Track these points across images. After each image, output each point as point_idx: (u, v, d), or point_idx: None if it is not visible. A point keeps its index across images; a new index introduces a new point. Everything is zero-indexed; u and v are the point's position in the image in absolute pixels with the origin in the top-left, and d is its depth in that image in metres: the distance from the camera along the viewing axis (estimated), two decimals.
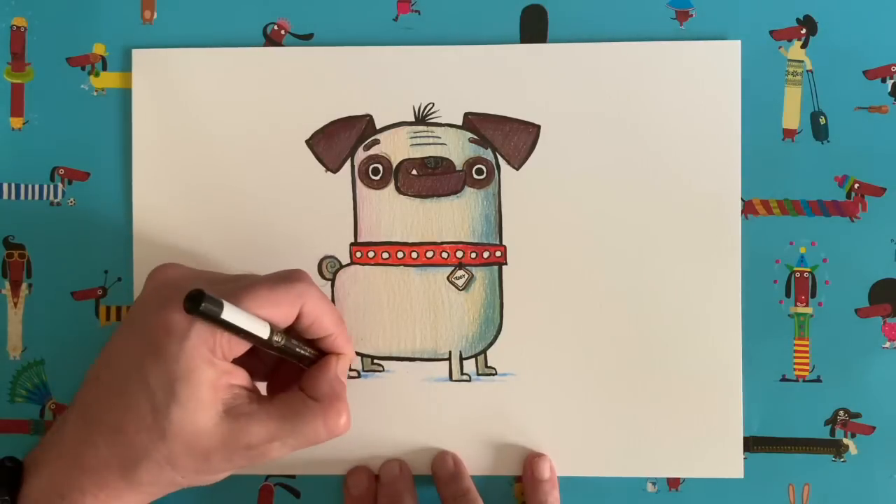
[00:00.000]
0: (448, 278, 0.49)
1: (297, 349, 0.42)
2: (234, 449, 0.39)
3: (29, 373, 0.49)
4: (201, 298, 0.36)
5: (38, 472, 0.40)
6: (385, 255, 0.48)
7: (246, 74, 0.49)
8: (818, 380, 0.48)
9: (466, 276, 0.48)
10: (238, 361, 0.40)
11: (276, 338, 0.40)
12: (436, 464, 0.48)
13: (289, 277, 0.41)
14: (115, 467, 0.39)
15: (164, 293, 0.40)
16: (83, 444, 0.39)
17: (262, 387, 0.45)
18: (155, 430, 0.38)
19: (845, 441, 0.48)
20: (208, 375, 0.39)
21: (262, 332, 0.39)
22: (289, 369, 0.44)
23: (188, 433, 0.38)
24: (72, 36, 0.49)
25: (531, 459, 0.47)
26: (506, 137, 0.48)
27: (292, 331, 0.42)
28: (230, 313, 0.37)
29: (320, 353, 0.44)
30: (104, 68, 0.49)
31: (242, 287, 0.40)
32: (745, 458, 0.48)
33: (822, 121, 0.48)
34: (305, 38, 0.49)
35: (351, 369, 0.48)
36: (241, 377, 0.40)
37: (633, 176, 0.48)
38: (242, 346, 0.40)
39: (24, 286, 0.49)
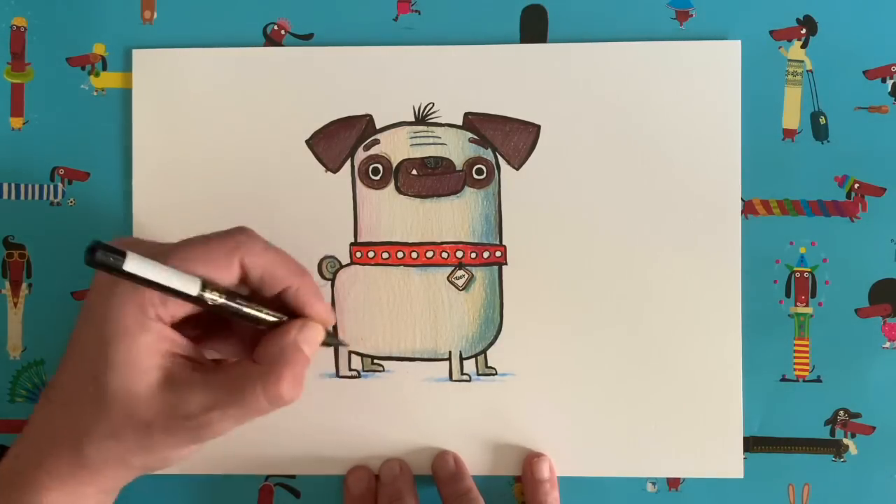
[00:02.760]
0: (448, 278, 0.49)
1: (247, 309, 0.39)
2: (173, 419, 0.37)
3: (29, 373, 0.49)
4: (96, 248, 0.34)
5: (7, 454, 0.40)
6: (385, 255, 0.48)
7: (246, 74, 0.49)
8: (818, 380, 0.48)
9: (466, 276, 0.48)
10: (215, 334, 0.39)
11: (208, 295, 0.38)
12: (436, 463, 0.48)
13: (227, 231, 0.39)
14: (66, 445, 0.38)
15: None
16: (42, 422, 0.39)
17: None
18: (96, 401, 0.37)
19: (845, 441, 0.48)
20: (142, 339, 0.37)
21: (190, 287, 0.37)
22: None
23: (125, 401, 0.37)
24: (72, 36, 0.49)
25: (530, 459, 0.47)
26: (506, 137, 0.48)
27: (255, 293, 0.40)
28: (139, 266, 0.35)
29: (292, 316, 0.41)
30: (104, 68, 0.49)
31: (176, 245, 0.38)
32: (745, 458, 0.48)
33: (822, 121, 0.48)
34: (305, 38, 0.49)
35: (350, 369, 0.48)
36: (179, 343, 0.38)
37: (632, 176, 0.48)
38: (181, 308, 0.38)
39: (24, 286, 0.49)
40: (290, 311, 0.41)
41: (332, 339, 0.44)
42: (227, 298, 0.38)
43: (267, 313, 0.40)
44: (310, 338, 0.40)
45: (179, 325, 0.39)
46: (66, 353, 0.41)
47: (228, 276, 0.39)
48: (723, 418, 0.48)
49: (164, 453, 0.39)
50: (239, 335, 0.42)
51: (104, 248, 0.35)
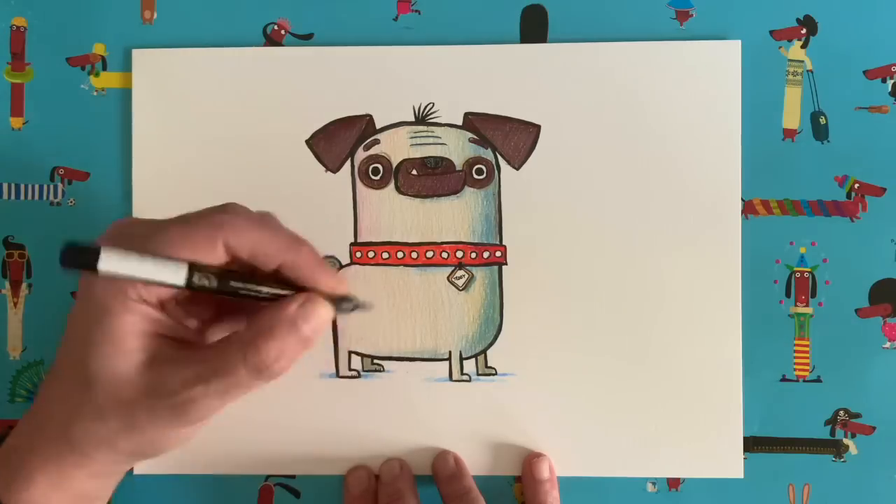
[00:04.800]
0: (448, 278, 0.48)
1: (244, 290, 0.37)
2: (155, 397, 0.36)
3: (29, 373, 0.49)
4: (67, 250, 0.34)
5: (10, 434, 0.40)
6: (385, 255, 0.48)
7: (246, 74, 0.49)
8: (818, 380, 0.48)
9: (466, 276, 0.48)
10: (228, 314, 0.39)
11: (197, 280, 0.36)
12: (437, 463, 0.48)
13: (208, 211, 0.37)
14: (54, 426, 0.38)
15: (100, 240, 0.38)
16: (37, 406, 0.39)
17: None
18: (82, 381, 0.37)
19: (845, 441, 0.48)
20: (125, 319, 0.36)
21: (176, 276, 0.36)
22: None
23: (109, 381, 0.36)
24: (72, 36, 0.49)
25: (530, 459, 0.47)
26: (506, 137, 0.48)
27: (255, 271, 0.37)
28: (116, 264, 0.34)
29: (298, 290, 0.38)
30: (104, 68, 0.49)
31: (155, 229, 0.37)
32: (745, 458, 0.48)
33: (823, 121, 0.48)
34: (305, 38, 0.49)
35: (350, 369, 0.48)
36: (169, 325, 0.38)
37: (632, 176, 0.48)
38: (168, 290, 0.37)
39: (24, 286, 0.49)
40: (294, 283, 0.38)
41: (347, 304, 0.39)
42: (218, 281, 0.36)
43: (269, 291, 0.37)
44: (311, 314, 0.37)
45: (189, 308, 0.39)
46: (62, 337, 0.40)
47: (214, 259, 0.37)
48: (723, 418, 0.48)
49: (150, 435, 0.37)
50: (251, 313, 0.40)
51: (76, 250, 0.34)
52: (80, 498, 0.39)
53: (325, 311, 0.37)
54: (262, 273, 0.38)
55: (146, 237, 0.36)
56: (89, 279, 0.37)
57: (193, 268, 0.36)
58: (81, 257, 0.34)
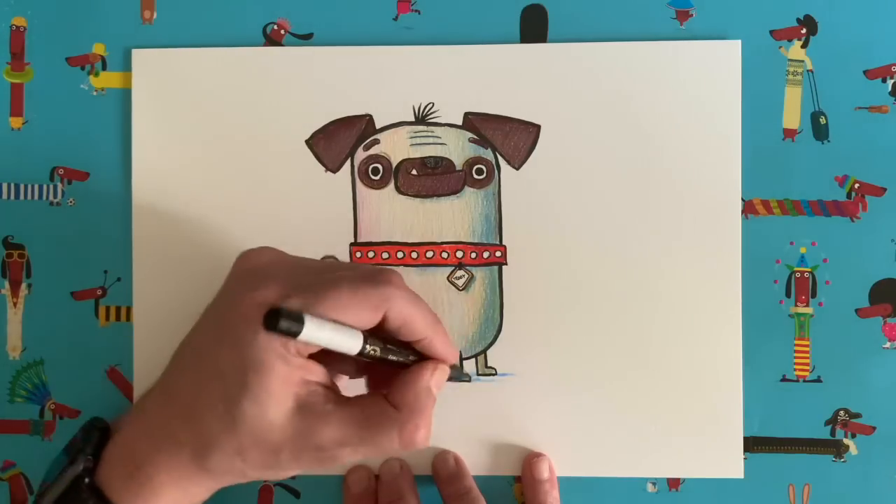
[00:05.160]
0: (448, 278, 0.48)
1: (391, 356, 0.40)
2: (303, 448, 0.38)
3: (28, 373, 0.49)
4: (279, 316, 0.34)
5: (120, 440, 0.41)
6: (385, 256, 0.48)
7: (246, 74, 0.49)
8: (818, 380, 0.48)
9: (466, 276, 0.48)
10: (328, 357, 0.40)
11: (369, 348, 0.38)
12: (437, 463, 0.48)
13: (374, 278, 0.39)
14: (188, 451, 0.39)
15: (246, 280, 0.40)
16: (161, 421, 0.40)
17: (360, 383, 0.44)
18: (226, 420, 0.38)
19: (845, 441, 0.48)
20: (281, 370, 0.37)
21: (352, 345, 0.38)
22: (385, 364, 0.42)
23: (258, 426, 0.38)
24: (72, 36, 0.49)
25: (530, 459, 0.47)
26: (506, 137, 0.48)
27: (382, 331, 0.40)
28: (312, 330, 0.36)
29: (419, 357, 0.41)
30: (104, 68, 0.49)
31: (324, 285, 0.38)
32: (745, 458, 0.48)
33: (823, 121, 0.48)
34: (305, 38, 0.49)
35: None
36: (317, 373, 0.39)
37: (633, 176, 0.48)
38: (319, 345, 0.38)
39: (23, 286, 0.49)
40: (412, 349, 0.41)
41: (457, 373, 0.44)
42: (381, 350, 0.39)
43: (405, 357, 0.41)
44: (439, 381, 0.41)
45: (322, 356, 0.40)
46: (184, 353, 0.41)
47: (370, 324, 0.39)
48: (723, 418, 0.48)
49: (286, 473, 0.40)
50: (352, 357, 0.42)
51: (287, 317, 0.35)
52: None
53: (446, 376, 0.42)
54: (389, 337, 0.40)
55: (317, 294, 0.37)
56: (250, 326, 0.37)
57: (366, 338, 0.38)
58: (286, 325, 0.35)
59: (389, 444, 0.39)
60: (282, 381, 0.37)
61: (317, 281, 0.38)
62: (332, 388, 0.40)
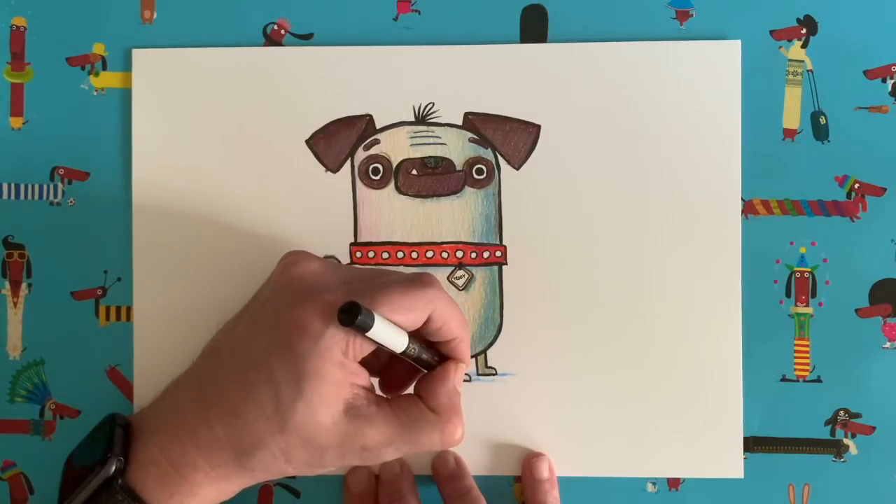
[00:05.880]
0: (448, 278, 0.48)
1: (424, 355, 0.42)
2: (349, 448, 0.40)
3: (29, 373, 0.49)
4: (357, 312, 0.37)
5: (151, 439, 0.41)
6: (385, 256, 0.48)
7: (246, 74, 0.49)
8: (818, 380, 0.48)
9: (466, 276, 0.48)
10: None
11: (411, 347, 0.41)
12: (437, 462, 0.48)
13: (420, 281, 0.41)
14: (229, 451, 0.40)
15: (300, 289, 0.41)
16: (199, 421, 0.40)
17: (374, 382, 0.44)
18: (274, 422, 0.39)
19: (845, 441, 0.48)
20: (336, 375, 0.39)
21: (400, 343, 0.40)
22: (400, 366, 0.44)
23: (308, 429, 0.39)
24: (72, 36, 0.49)
25: (530, 459, 0.47)
26: (506, 137, 0.48)
27: (418, 333, 0.42)
28: (378, 327, 0.38)
29: (441, 357, 0.43)
30: (104, 68, 0.49)
31: (377, 289, 0.40)
32: (745, 458, 0.48)
33: (823, 121, 0.48)
34: (305, 38, 0.49)
35: None
36: (363, 377, 0.41)
37: (633, 176, 0.48)
38: (371, 347, 0.40)
39: (23, 286, 0.49)
40: (438, 349, 0.43)
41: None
42: (418, 349, 0.41)
43: (433, 358, 0.43)
44: (461, 379, 0.44)
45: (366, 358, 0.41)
46: (226, 356, 0.41)
47: (417, 324, 0.41)
48: (723, 418, 0.48)
49: (325, 470, 0.41)
50: (379, 359, 0.44)
51: (364, 312, 0.37)
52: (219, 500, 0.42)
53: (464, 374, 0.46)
54: (423, 338, 0.42)
55: (373, 297, 0.39)
56: (313, 332, 0.39)
57: (411, 338, 0.41)
58: (362, 319, 0.37)
59: (431, 443, 0.41)
60: (335, 385, 0.39)
61: (369, 286, 0.40)
62: (372, 391, 0.41)
